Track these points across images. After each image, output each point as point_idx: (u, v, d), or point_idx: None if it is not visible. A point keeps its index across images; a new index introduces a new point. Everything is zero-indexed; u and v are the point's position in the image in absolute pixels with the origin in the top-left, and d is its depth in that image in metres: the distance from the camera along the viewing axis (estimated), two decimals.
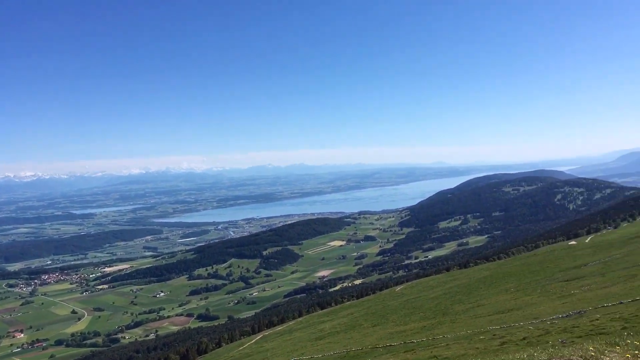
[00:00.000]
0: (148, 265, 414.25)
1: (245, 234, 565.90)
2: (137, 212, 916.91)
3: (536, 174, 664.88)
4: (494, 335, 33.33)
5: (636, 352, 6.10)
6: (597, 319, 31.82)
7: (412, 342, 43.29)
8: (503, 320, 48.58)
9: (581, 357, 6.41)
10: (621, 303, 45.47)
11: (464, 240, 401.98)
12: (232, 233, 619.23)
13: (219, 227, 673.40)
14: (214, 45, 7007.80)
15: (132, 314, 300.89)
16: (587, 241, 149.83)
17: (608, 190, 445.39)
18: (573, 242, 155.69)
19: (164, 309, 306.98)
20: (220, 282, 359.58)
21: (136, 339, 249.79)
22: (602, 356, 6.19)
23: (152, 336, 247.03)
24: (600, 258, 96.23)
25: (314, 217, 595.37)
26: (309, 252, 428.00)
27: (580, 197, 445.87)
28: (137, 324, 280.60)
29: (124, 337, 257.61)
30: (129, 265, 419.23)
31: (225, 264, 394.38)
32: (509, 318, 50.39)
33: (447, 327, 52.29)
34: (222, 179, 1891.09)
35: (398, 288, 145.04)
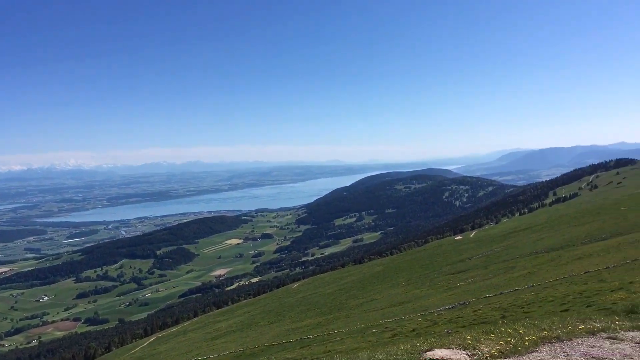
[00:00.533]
0: (30, 268, 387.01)
1: (138, 233, 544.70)
2: (17, 212, 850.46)
3: (426, 172, 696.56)
4: (385, 328, 34.37)
5: (509, 339, 6.52)
6: (480, 309, 33.75)
7: (308, 338, 43.71)
8: (395, 313, 50.29)
9: (459, 345, 6.75)
10: (501, 294, 48.62)
11: (359, 237, 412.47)
12: (123, 233, 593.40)
13: (110, 227, 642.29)
14: (104, 33, 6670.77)
15: (12, 320, 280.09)
16: (471, 236, 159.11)
17: (490, 188, 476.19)
18: (459, 237, 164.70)
19: (48, 314, 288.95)
20: (110, 283, 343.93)
21: (17, 346, 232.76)
22: (478, 344, 6.56)
23: (34, 343, 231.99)
24: (483, 251, 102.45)
25: (210, 216, 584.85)
26: (205, 251, 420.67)
27: (466, 195, 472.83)
28: (17, 331, 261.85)
29: (3, 345, 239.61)
30: (9, 269, 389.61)
31: (116, 265, 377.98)
32: (400, 311, 52.26)
33: (342, 322, 53.32)
34: (113, 176, 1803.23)
35: (295, 285, 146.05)
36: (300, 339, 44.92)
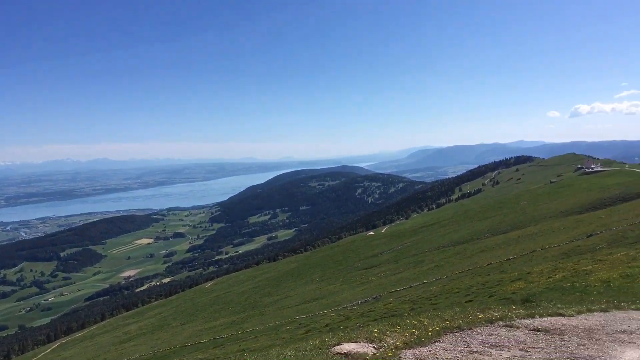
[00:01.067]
0: None
1: (40, 234, 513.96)
2: None
3: (339, 169, 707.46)
4: (299, 324, 34.63)
5: (413, 330, 6.80)
6: (390, 303, 34.77)
7: (222, 337, 43.23)
8: (309, 310, 50.78)
9: (366, 338, 6.93)
10: (411, 287, 50.31)
11: (274, 234, 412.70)
12: (23, 234, 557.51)
13: (8, 228, 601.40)
14: None
15: None
16: (383, 231, 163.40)
17: (401, 185, 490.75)
18: (371, 233, 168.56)
19: None
20: (9, 288, 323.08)
21: None
22: (384, 336, 6.77)
23: None
24: (393, 246, 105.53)
25: (119, 215, 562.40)
26: (114, 252, 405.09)
27: (378, 191, 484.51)
28: None
29: None
30: None
31: (15, 269, 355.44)
32: (315, 307, 52.83)
33: (257, 320, 53.15)
34: (12, 174, 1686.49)
35: (208, 284, 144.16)
36: (214, 338, 44.35)
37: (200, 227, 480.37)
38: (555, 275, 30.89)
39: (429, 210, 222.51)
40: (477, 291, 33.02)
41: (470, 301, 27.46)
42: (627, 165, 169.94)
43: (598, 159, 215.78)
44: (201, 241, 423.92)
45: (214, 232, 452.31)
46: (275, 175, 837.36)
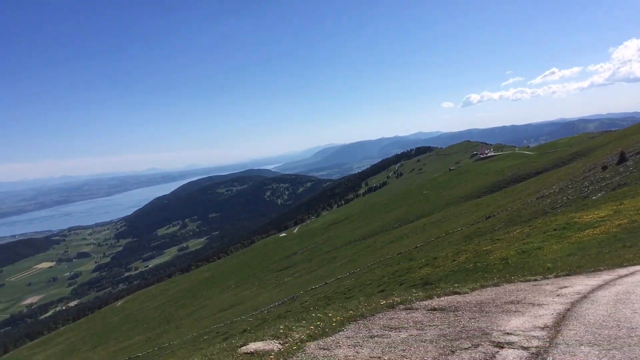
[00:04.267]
0: None
1: None
2: None
3: (247, 173, 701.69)
4: (217, 333, 34.31)
5: (318, 322, 7.09)
6: (306, 301, 35.22)
7: (137, 356, 41.93)
8: (226, 317, 50.30)
9: (272, 336, 7.11)
10: (326, 283, 51.16)
11: (184, 245, 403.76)
12: None
13: None
14: None
15: None
16: (295, 232, 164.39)
17: (309, 184, 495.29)
18: (284, 234, 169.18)
19: None
20: None
21: None
22: (290, 332, 6.98)
23: None
24: (306, 246, 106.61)
25: (15, 240, 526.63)
26: (12, 279, 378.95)
27: (287, 192, 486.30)
28: None
29: None
30: None
31: None
32: (232, 314, 52.40)
33: (173, 334, 51.98)
34: None
35: (119, 303, 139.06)
36: (129, 358, 42.93)
37: (106, 244, 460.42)
38: (459, 257, 32.62)
39: (338, 206, 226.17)
40: (388, 281, 34.20)
41: (382, 291, 28.41)
42: (516, 149, 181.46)
43: (491, 144, 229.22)
44: (108, 259, 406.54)
45: (121, 248, 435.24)
46: (181, 184, 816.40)
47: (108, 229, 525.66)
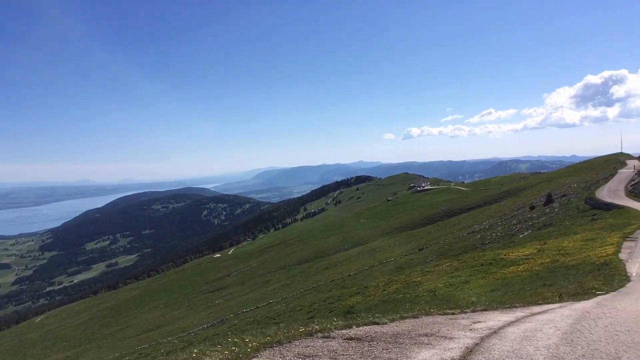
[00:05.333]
0: None
1: None
2: None
3: (184, 191, 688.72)
4: (140, 354, 33.36)
5: (233, 347, 7.15)
6: (235, 324, 34.84)
7: None
8: (152, 338, 48.94)
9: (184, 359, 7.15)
10: (257, 307, 50.75)
11: (114, 261, 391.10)
12: None
13: None
14: None
15: None
16: (230, 253, 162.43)
17: (247, 205, 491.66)
18: (218, 255, 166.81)
19: None
20: None
21: None
22: (203, 356, 7.01)
23: None
24: (240, 268, 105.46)
25: None
26: None
27: (224, 212, 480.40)
28: None
29: None
30: None
31: None
32: (158, 335, 51.03)
33: (94, 354, 50.13)
34: None
35: (38, 318, 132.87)
36: None
37: (29, 256, 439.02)
38: (390, 287, 33.25)
39: (275, 230, 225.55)
40: (318, 307, 34.37)
41: (312, 318, 28.52)
42: (452, 184, 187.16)
43: (428, 178, 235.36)
44: (30, 272, 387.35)
45: (45, 261, 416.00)
46: (115, 198, 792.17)
47: (33, 240, 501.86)
